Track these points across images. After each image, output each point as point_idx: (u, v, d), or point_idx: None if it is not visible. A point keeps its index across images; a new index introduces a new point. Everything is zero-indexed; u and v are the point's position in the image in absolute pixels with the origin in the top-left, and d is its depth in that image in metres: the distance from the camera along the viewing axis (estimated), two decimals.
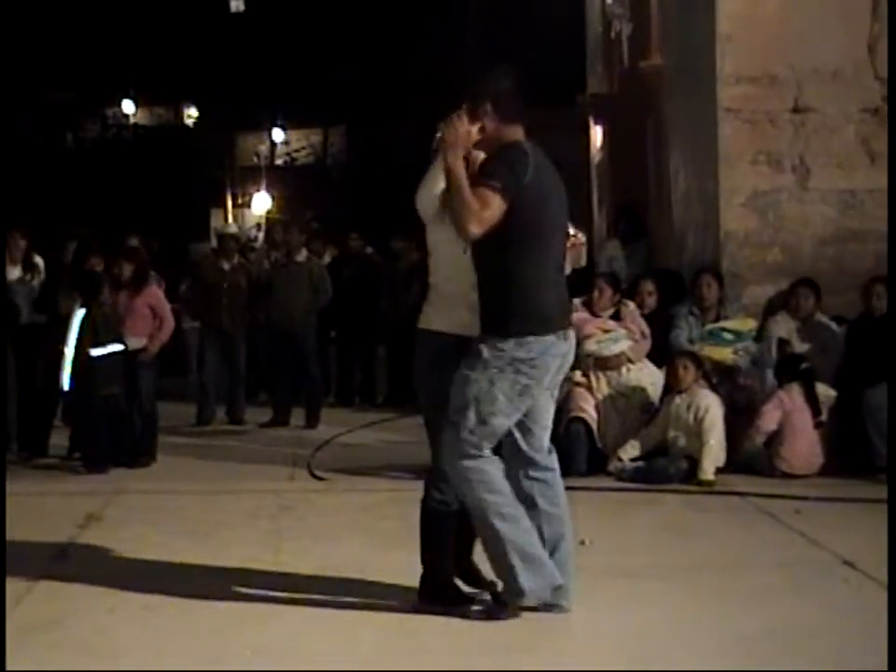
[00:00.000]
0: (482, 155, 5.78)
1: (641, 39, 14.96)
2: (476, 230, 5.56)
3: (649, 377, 9.94)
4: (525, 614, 5.83)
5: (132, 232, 14.34)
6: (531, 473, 5.93)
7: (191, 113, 44.30)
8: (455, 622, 5.72)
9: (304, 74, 37.22)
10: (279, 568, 6.69)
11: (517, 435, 5.89)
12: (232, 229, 15.84)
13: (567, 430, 9.84)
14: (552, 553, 5.83)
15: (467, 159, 5.73)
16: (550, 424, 6.06)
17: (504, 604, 5.79)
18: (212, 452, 11.44)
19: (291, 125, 43.21)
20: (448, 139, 5.67)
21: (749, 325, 10.38)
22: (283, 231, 15.12)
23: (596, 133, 17.38)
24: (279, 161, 44.24)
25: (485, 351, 5.67)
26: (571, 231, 6.21)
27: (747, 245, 10.78)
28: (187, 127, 44.17)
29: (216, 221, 34.44)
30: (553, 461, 6.02)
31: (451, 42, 28.93)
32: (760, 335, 10.34)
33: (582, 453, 9.78)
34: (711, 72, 10.80)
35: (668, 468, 9.37)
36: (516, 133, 5.79)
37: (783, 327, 10.27)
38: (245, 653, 5.35)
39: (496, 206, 5.56)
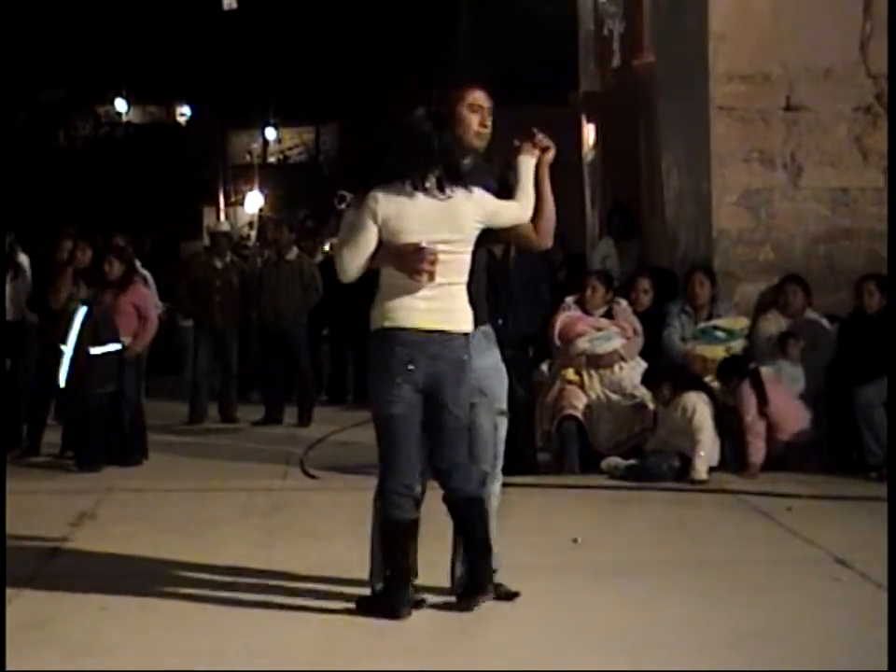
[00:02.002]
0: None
1: (634, 37, 14.96)
2: None
3: (641, 375, 9.94)
4: (514, 614, 5.84)
5: (118, 231, 14.31)
6: None
7: (184, 111, 44.30)
8: (447, 620, 5.72)
9: (296, 72, 37.22)
10: (272, 567, 6.68)
11: None
12: (225, 227, 15.80)
13: (560, 428, 9.86)
14: None
15: None
16: None
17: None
18: (204, 450, 11.43)
19: (283, 123, 43.24)
20: (552, 149, 6.05)
21: (742, 323, 10.38)
22: (273, 229, 15.11)
23: (589, 132, 17.38)
24: (271, 160, 44.28)
25: None
26: None
27: (739, 244, 10.78)
28: (179, 125, 44.16)
29: (208, 219, 34.42)
30: None
31: (443, 41, 28.91)
32: (751, 333, 10.34)
33: (575, 451, 9.81)
34: (704, 70, 10.79)
35: (661, 465, 9.37)
36: None
37: (774, 324, 10.27)
38: (237, 652, 5.35)
39: None
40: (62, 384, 10.27)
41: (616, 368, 9.95)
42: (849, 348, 9.90)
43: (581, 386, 9.92)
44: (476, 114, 6.02)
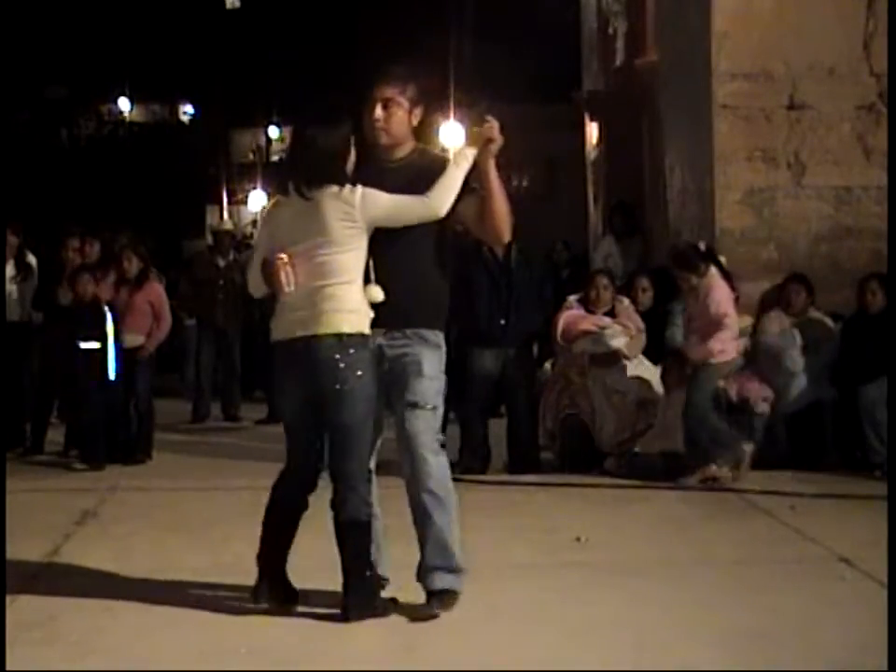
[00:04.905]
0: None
1: (637, 36, 14.97)
2: None
3: (644, 373, 9.95)
4: (516, 613, 5.84)
5: (124, 230, 14.30)
6: None
7: (187, 110, 44.32)
8: (449, 619, 5.70)
9: (299, 71, 37.23)
10: None
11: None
12: (228, 225, 15.83)
13: (563, 427, 9.86)
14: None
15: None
16: None
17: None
18: (207, 448, 11.44)
19: (287, 122, 43.23)
20: (497, 141, 5.74)
21: (745, 322, 10.36)
22: None
23: (592, 130, 17.38)
24: (275, 158, 44.24)
25: (441, 342, 5.91)
26: None
27: (742, 243, 10.77)
28: (182, 124, 44.19)
29: (211, 218, 34.48)
30: None
31: (447, 40, 28.93)
32: (754, 332, 10.34)
33: (578, 450, 9.81)
34: (707, 68, 10.79)
35: (664, 463, 9.38)
36: None
37: (777, 323, 10.26)
38: (239, 651, 5.34)
39: None
40: (111, 376, 10.26)
41: (619, 366, 9.95)
42: (853, 347, 9.90)
43: (584, 385, 9.92)
44: (370, 109, 5.88)
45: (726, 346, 9.30)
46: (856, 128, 10.70)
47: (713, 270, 9.44)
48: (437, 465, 5.86)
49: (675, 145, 12.13)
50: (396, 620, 5.74)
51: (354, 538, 5.78)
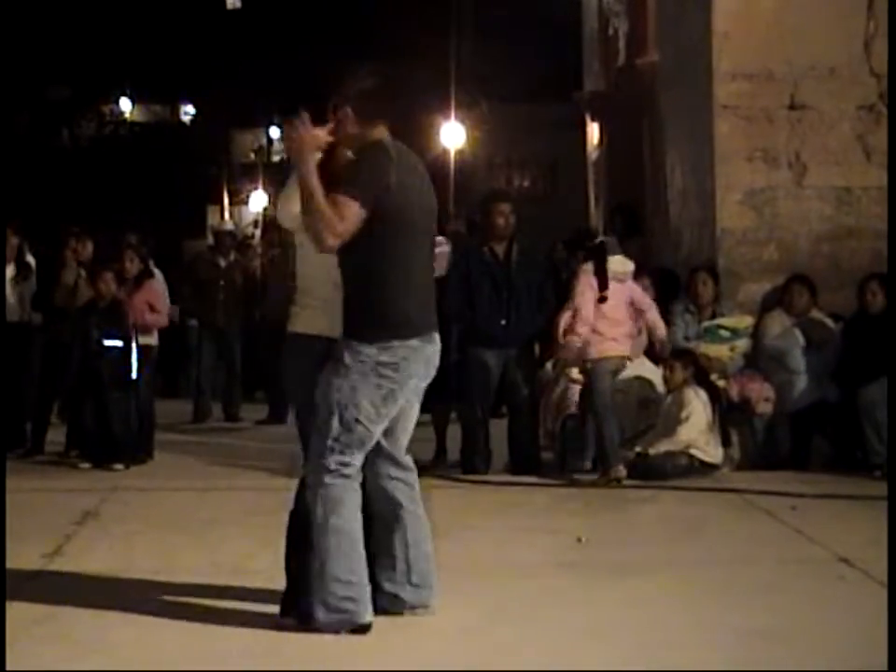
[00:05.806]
0: (349, 154, 5.63)
1: (638, 36, 14.98)
2: (333, 242, 5.39)
3: (645, 373, 9.94)
4: (518, 613, 5.84)
5: (129, 230, 14.31)
6: (393, 473, 5.78)
7: (188, 110, 44.35)
8: (449, 620, 5.71)
9: (300, 71, 37.25)
10: (277, 565, 6.66)
11: (380, 437, 5.70)
12: (229, 226, 15.85)
13: (564, 428, 9.86)
14: (414, 553, 5.74)
15: (329, 159, 5.60)
16: (412, 427, 5.83)
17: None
18: (208, 449, 11.43)
19: (287, 122, 43.29)
20: (293, 147, 5.52)
21: (746, 322, 10.38)
22: (277, 228, 15.11)
23: (593, 131, 17.41)
24: (275, 158, 44.28)
25: (347, 356, 5.53)
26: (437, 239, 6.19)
27: (743, 243, 10.77)
28: (183, 124, 44.24)
29: (212, 218, 34.52)
30: (411, 462, 5.85)
31: (448, 40, 28.95)
32: (755, 332, 10.34)
33: (579, 450, 9.81)
34: (708, 69, 10.79)
35: (665, 464, 9.37)
36: (380, 132, 5.66)
37: (778, 323, 10.26)
38: (239, 651, 5.34)
39: (353, 216, 5.37)
40: (134, 375, 10.26)
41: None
42: (853, 348, 9.90)
43: (585, 385, 9.91)
44: None
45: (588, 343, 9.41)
46: (856, 128, 10.70)
47: (586, 266, 9.50)
48: (314, 491, 5.80)
49: (676, 145, 12.13)
50: (394, 620, 5.73)
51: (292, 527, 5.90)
